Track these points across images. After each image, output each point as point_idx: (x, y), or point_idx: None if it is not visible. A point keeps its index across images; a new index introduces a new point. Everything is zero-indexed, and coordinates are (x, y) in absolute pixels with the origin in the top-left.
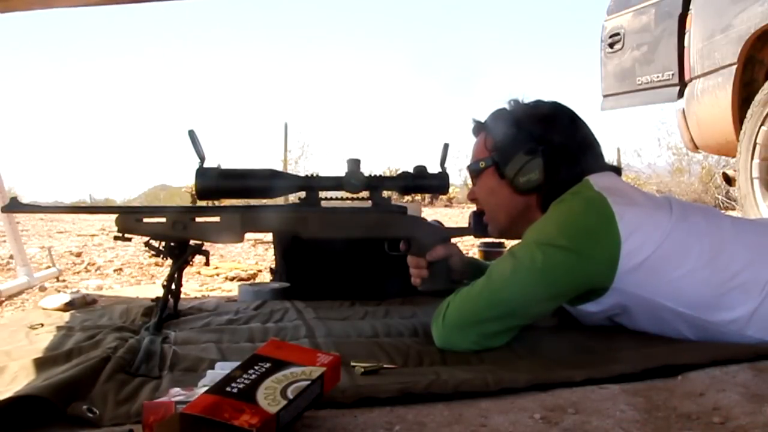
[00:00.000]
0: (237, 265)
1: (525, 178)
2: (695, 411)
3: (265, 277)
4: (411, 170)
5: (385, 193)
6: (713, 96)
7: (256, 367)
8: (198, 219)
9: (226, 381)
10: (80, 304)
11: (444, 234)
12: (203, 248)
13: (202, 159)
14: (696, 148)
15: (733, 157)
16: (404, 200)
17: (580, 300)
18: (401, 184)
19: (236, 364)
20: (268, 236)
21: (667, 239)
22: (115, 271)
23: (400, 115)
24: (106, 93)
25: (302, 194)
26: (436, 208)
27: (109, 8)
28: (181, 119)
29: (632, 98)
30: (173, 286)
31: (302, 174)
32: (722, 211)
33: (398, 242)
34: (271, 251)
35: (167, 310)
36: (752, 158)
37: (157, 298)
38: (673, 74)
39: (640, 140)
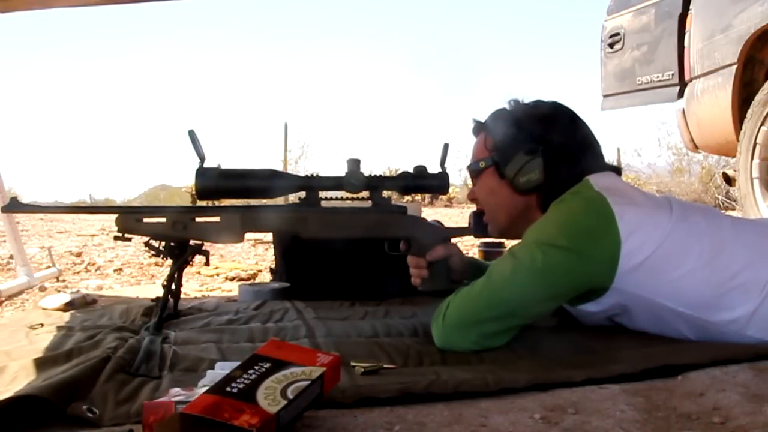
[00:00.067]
0: (237, 265)
1: (525, 178)
2: (695, 411)
3: (265, 277)
4: (411, 170)
5: (385, 193)
6: (713, 96)
7: (256, 367)
8: (198, 219)
9: (226, 381)
10: (80, 304)
11: (444, 234)
12: (203, 248)
13: (202, 159)
14: (696, 148)
15: (733, 157)
16: (404, 200)
17: (580, 300)
18: (401, 184)
19: (236, 364)
20: (268, 236)
21: (667, 239)
22: (115, 271)
23: (400, 115)
24: (106, 93)
25: (302, 194)
26: (436, 208)
27: (109, 8)
28: (181, 119)
29: (632, 98)
30: (173, 286)
31: (302, 174)
32: (722, 211)
33: (398, 242)
34: (271, 251)
35: (167, 310)
36: (752, 158)
37: (157, 298)
38: (673, 74)
39: (640, 140)
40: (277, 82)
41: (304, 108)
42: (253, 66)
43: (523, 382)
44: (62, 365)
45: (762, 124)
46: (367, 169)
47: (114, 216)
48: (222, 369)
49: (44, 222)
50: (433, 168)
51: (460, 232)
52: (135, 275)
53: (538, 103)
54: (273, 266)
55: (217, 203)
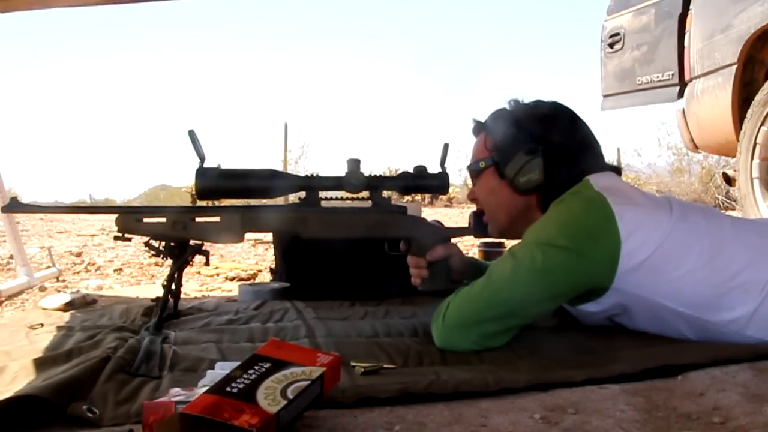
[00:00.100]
0: (237, 265)
1: (525, 178)
2: (695, 411)
3: (265, 277)
4: (411, 170)
5: (385, 193)
6: (713, 96)
7: (256, 367)
8: (198, 219)
9: (226, 381)
10: (80, 304)
11: (444, 234)
12: (203, 248)
13: (202, 159)
14: (696, 148)
15: (733, 157)
16: (404, 200)
17: (580, 300)
18: (401, 184)
19: (236, 364)
20: (268, 236)
21: (667, 239)
22: (115, 271)
23: (400, 115)
24: (106, 93)
25: (302, 194)
26: (436, 208)
27: (109, 8)
28: (181, 119)
29: (632, 98)
30: (173, 286)
31: (302, 174)
32: (722, 211)
33: (398, 242)
34: (271, 251)
35: (167, 310)
36: (752, 158)
37: (157, 298)
38: (673, 74)
39: (640, 140)
40: (277, 82)
41: (304, 108)
42: (253, 66)
43: (523, 382)
44: (62, 365)
45: (762, 124)
46: (367, 169)
47: (114, 216)
48: (222, 369)
49: (44, 222)
50: (433, 168)
51: (460, 232)
52: (135, 275)
53: (538, 103)
54: (273, 266)
55: (217, 203)
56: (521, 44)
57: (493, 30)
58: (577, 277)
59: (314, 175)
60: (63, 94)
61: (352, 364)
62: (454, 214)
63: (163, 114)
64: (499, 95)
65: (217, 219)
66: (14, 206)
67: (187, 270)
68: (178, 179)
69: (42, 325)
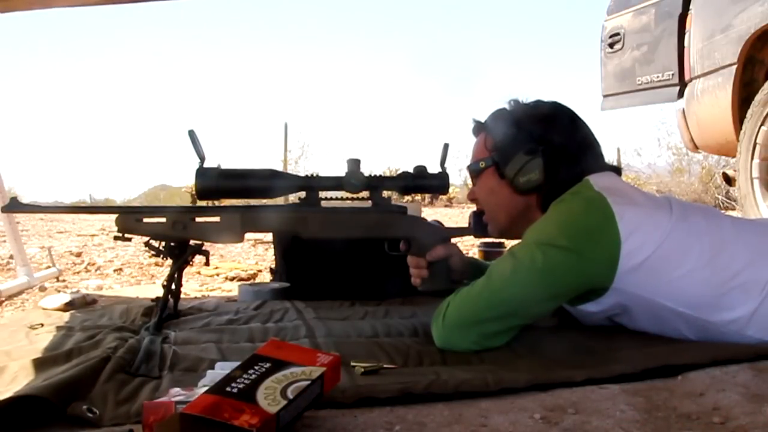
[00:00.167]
0: (237, 265)
1: (525, 178)
2: (695, 411)
3: (265, 277)
4: (411, 170)
5: (385, 193)
6: (713, 96)
7: (256, 367)
8: (198, 219)
9: (226, 381)
10: (80, 304)
11: (444, 234)
12: (203, 248)
13: (202, 159)
14: (696, 148)
15: (733, 157)
16: (404, 200)
17: (580, 300)
18: (401, 184)
19: (236, 364)
20: (268, 236)
21: (667, 239)
22: (115, 271)
23: (400, 115)
24: (105, 93)
25: (302, 194)
26: (436, 208)
27: (109, 8)
28: (181, 119)
29: (632, 98)
30: (173, 286)
31: (302, 174)
32: (722, 211)
33: (398, 242)
34: (271, 251)
35: (167, 310)
36: (752, 158)
37: (157, 298)
38: (673, 74)
39: (640, 140)
40: (277, 82)
41: (304, 108)
42: (253, 66)
43: (523, 382)
44: (62, 365)
45: (762, 124)
46: (367, 169)
47: (114, 216)
48: (222, 369)
49: (44, 222)
50: (433, 168)
51: (460, 232)
52: (135, 275)
53: (538, 103)
54: (273, 266)
55: (217, 203)
56: (521, 44)
57: (493, 30)
58: (577, 277)
59: (314, 175)
60: (63, 94)
61: (352, 364)
62: (454, 214)
63: (163, 114)
64: (499, 95)
65: (217, 219)
66: (14, 206)
67: (187, 270)
68: (178, 179)
69: (42, 325)
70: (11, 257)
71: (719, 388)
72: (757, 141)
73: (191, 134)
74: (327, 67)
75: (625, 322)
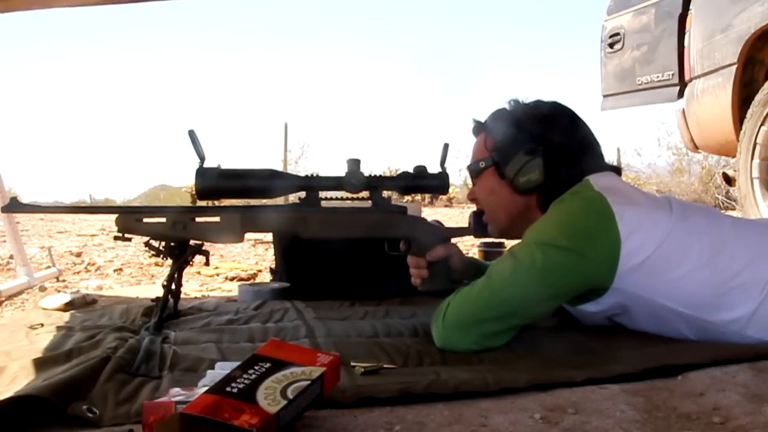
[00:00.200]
0: (237, 265)
1: (525, 178)
2: (695, 411)
3: (265, 277)
4: (411, 170)
5: (385, 193)
6: (713, 96)
7: (256, 367)
8: (198, 219)
9: (226, 381)
10: (80, 304)
11: (444, 234)
12: (203, 248)
13: (202, 159)
14: (696, 148)
15: (733, 157)
16: (404, 200)
17: (580, 300)
18: (401, 184)
19: (236, 364)
20: (268, 236)
21: (668, 239)
22: (115, 271)
23: (400, 115)
24: (106, 93)
25: (302, 194)
26: (436, 208)
27: (109, 8)
28: (181, 119)
29: (632, 98)
30: (173, 286)
31: (302, 174)
32: (722, 211)
33: (398, 242)
34: (271, 251)
35: (167, 310)
36: (752, 158)
37: (157, 298)
38: (673, 74)
39: (640, 140)
40: (277, 82)
41: (304, 108)
42: (253, 66)
43: (523, 382)
44: (62, 365)
45: (762, 124)
46: (367, 169)
47: (114, 216)
48: (222, 369)
49: (44, 222)
50: (433, 168)
51: (460, 232)
52: (135, 275)
53: (538, 103)
54: (273, 266)
55: (217, 203)
56: (521, 44)
57: (493, 30)
58: (577, 277)
59: (314, 175)
60: (63, 94)
61: (352, 364)
62: (454, 214)
63: (163, 114)
64: (499, 95)
65: (217, 219)
66: (14, 206)
67: (187, 270)
68: (178, 179)
69: (42, 325)
70: (11, 257)
71: (719, 388)
72: (757, 141)
73: (191, 134)
74: (327, 67)
75: (625, 322)
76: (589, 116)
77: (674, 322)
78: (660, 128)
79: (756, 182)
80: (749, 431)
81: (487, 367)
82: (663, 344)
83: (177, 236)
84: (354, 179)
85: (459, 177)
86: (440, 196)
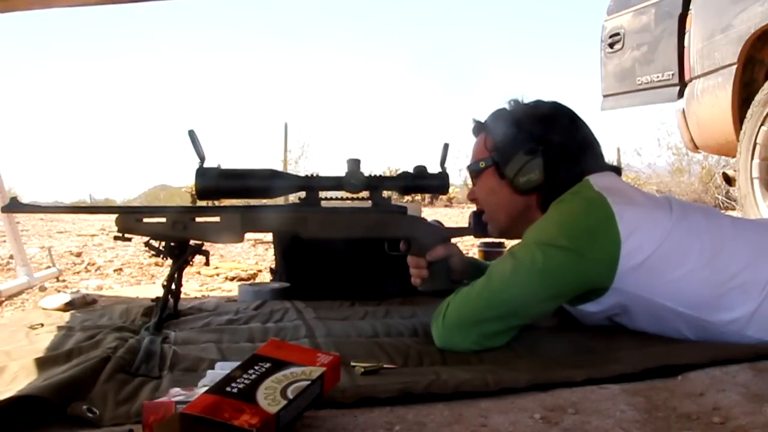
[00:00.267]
0: (237, 265)
1: (525, 178)
2: (695, 411)
3: (265, 277)
4: (411, 170)
5: (385, 193)
6: (713, 96)
7: (256, 367)
8: (198, 219)
9: (226, 381)
10: (80, 304)
11: (444, 234)
12: (203, 248)
13: (202, 159)
14: (696, 148)
15: (733, 157)
16: (404, 200)
17: (580, 300)
18: (401, 184)
19: (236, 364)
20: (268, 236)
21: (668, 239)
22: (115, 271)
23: (400, 115)
24: (105, 93)
25: (302, 194)
26: (436, 208)
27: (109, 8)
28: (181, 119)
29: (632, 98)
30: (173, 286)
31: (302, 174)
32: (722, 211)
33: (398, 242)
34: (271, 251)
35: (167, 310)
36: (752, 158)
37: (157, 298)
38: (673, 74)
39: (640, 140)
40: (277, 82)
41: (304, 108)
42: (253, 66)
43: (523, 382)
44: (62, 365)
45: (762, 124)
46: (367, 169)
47: (114, 216)
48: (222, 369)
49: (44, 222)
50: (433, 168)
51: (460, 232)
52: (135, 275)
53: (538, 103)
54: (273, 266)
55: (217, 203)
56: (521, 44)
57: (493, 30)
58: (578, 278)
59: (314, 175)
60: (63, 94)
61: (352, 364)
62: (454, 214)
63: (163, 114)
64: (499, 95)
65: (217, 219)
66: (14, 206)
67: (187, 270)
68: (178, 179)
69: (42, 325)
70: (11, 257)
71: (719, 388)
72: (757, 141)
73: (191, 134)
74: (327, 67)
75: (625, 322)
76: (589, 116)
77: (674, 322)
78: (660, 128)
79: (756, 182)
80: (749, 431)
81: (487, 367)
82: (663, 344)
83: (177, 236)
84: (354, 179)
85: (459, 177)
86: (440, 196)
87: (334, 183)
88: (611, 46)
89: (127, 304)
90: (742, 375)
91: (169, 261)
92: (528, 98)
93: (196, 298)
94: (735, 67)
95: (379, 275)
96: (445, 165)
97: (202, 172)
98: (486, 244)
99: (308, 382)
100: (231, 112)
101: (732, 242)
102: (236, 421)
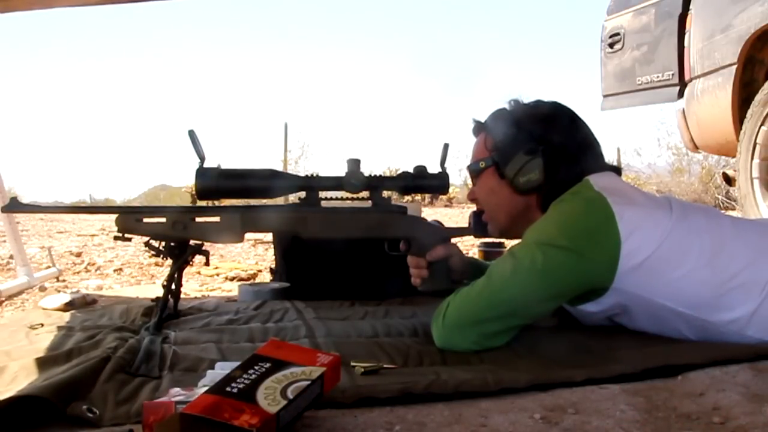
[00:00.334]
0: (237, 265)
1: (525, 178)
2: (695, 411)
3: (265, 277)
4: (411, 170)
5: (385, 193)
6: (713, 96)
7: (256, 367)
8: (198, 219)
9: (226, 381)
10: (80, 304)
11: (444, 234)
12: (203, 248)
13: (202, 159)
14: (696, 148)
15: (733, 157)
16: (404, 200)
17: (580, 300)
18: (401, 184)
19: (236, 364)
20: (268, 236)
21: (668, 239)
22: (115, 271)
23: (400, 115)
24: (106, 93)
25: (302, 194)
26: (436, 208)
27: (109, 8)
28: (181, 119)
29: (632, 98)
30: (173, 286)
31: (302, 174)
32: (722, 211)
33: (398, 242)
34: (271, 251)
35: (167, 310)
36: (752, 158)
37: (157, 298)
38: (673, 74)
39: (640, 140)
40: (277, 82)
41: (304, 108)
42: (253, 66)
43: (523, 382)
44: (62, 365)
45: (762, 124)
46: (367, 169)
47: (114, 216)
48: (222, 369)
49: (44, 222)
50: (433, 168)
51: (460, 232)
52: (135, 275)
53: (538, 103)
54: (273, 266)
55: (217, 203)
56: (521, 44)
57: (493, 30)
58: (578, 278)
59: (314, 175)
60: (63, 94)
61: (352, 364)
62: (454, 214)
63: (163, 114)
64: (499, 95)
65: (217, 219)
66: (14, 206)
67: (187, 270)
68: (178, 179)
69: (42, 325)
70: (11, 257)
71: (719, 388)
72: (757, 141)
73: (191, 134)
74: (327, 67)
75: (624, 322)
76: (589, 116)
77: (674, 322)
78: (660, 128)
79: (756, 182)
80: (749, 431)
81: (487, 367)
82: (663, 344)
83: (177, 236)
84: (354, 179)
85: (459, 177)
86: (440, 196)
87: (334, 183)
88: (611, 46)
89: (127, 304)
90: (742, 375)
91: (169, 261)
92: (528, 98)
93: (196, 298)
94: (735, 67)
95: (379, 275)
96: (445, 165)
97: (202, 172)
98: (486, 244)
99: (308, 382)
100: (231, 112)
101: (732, 242)
102: (236, 421)
